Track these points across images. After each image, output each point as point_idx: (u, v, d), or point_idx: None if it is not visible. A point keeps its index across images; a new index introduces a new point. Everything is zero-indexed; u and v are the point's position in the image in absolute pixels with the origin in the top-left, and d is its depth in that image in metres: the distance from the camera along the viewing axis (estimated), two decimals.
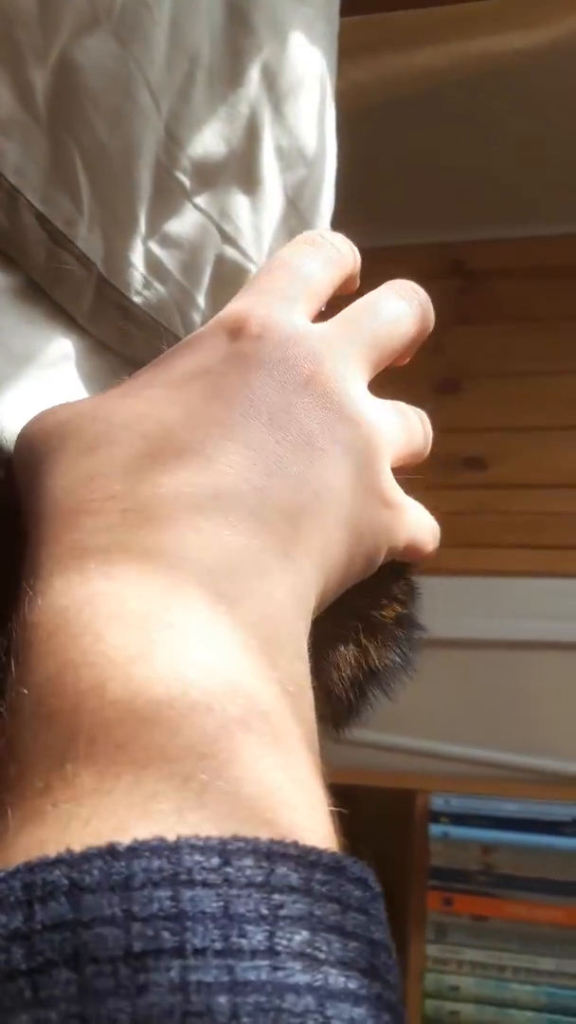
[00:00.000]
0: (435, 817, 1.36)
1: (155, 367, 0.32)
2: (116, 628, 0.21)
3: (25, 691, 0.21)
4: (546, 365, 1.82)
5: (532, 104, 1.65)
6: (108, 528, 0.24)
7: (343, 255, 0.37)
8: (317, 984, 0.16)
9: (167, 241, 0.64)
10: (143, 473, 0.26)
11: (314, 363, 0.31)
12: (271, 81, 0.68)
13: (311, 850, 0.17)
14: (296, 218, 0.73)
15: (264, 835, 0.18)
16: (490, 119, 1.69)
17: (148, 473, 0.26)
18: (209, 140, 0.64)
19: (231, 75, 0.65)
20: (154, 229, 0.63)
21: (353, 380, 0.32)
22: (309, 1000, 0.15)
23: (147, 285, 0.64)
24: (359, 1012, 0.16)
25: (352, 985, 0.16)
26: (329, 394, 0.30)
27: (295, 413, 0.29)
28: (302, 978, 0.16)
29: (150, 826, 0.17)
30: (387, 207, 1.79)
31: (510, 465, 1.82)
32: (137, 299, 0.63)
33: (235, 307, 0.33)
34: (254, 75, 0.67)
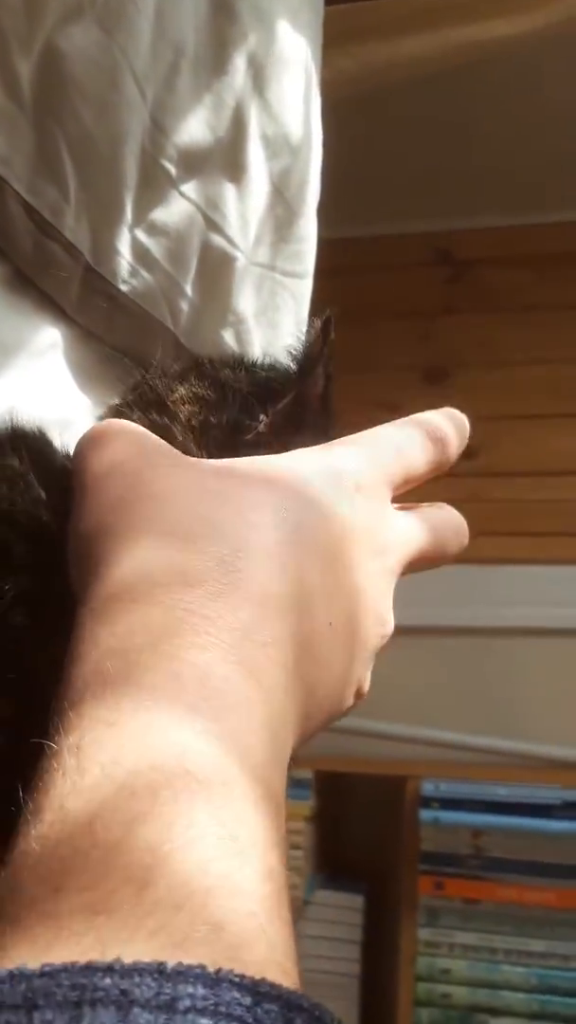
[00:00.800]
0: (425, 802, 1.37)
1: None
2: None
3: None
4: (534, 353, 1.83)
5: (519, 92, 1.66)
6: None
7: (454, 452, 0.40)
8: None
9: (154, 229, 0.64)
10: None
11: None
12: (256, 70, 0.69)
13: (316, 1007, 0.19)
14: (282, 206, 0.74)
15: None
16: (477, 107, 1.70)
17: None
18: (195, 128, 0.65)
19: (216, 64, 0.65)
20: (141, 217, 0.63)
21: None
22: None
23: (134, 273, 0.64)
24: None
25: None
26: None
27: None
28: None
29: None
30: (375, 196, 1.79)
31: (499, 453, 1.82)
32: (124, 287, 0.64)
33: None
34: (239, 64, 0.67)
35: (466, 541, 0.41)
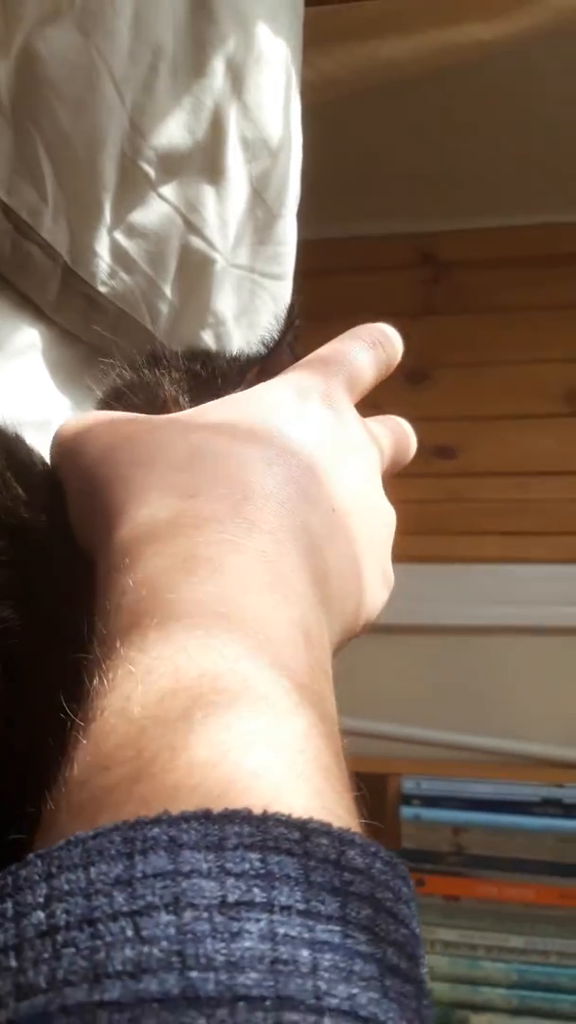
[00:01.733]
0: (406, 800, 1.38)
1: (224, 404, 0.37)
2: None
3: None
4: (514, 354, 1.84)
5: (500, 95, 1.67)
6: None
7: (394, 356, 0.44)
8: (377, 956, 0.19)
9: (133, 231, 0.64)
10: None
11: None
12: (235, 72, 0.69)
13: (370, 844, 0.21)
14: (262, 208, 0.74)
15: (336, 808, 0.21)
16: (460, 109, 1.71)
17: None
18: (174, 131, 0.65)
19: (195, 66, 0.66)
20: (119, 219, 0.64)
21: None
22: (372, 968, 0.18)
23: (113, 275, 0.64)
24: (408, 988, 0.19)
25: (403, 965, 0.19)
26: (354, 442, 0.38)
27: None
28: (365, 949, 0.18)
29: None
30: (356, 198, 1.80)
31: (478, 453, 1.84)
32: (103, 289, 0.64)
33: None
34: (218, 66, 0.67)
35: (415, 446, 0.45)
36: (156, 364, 0.43)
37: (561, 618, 1.74)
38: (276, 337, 0.44)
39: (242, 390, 0.41)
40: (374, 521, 0.37)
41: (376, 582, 0.37)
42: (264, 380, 0.42)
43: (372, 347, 0.42)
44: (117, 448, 0.33)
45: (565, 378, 1.81)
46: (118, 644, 0.25)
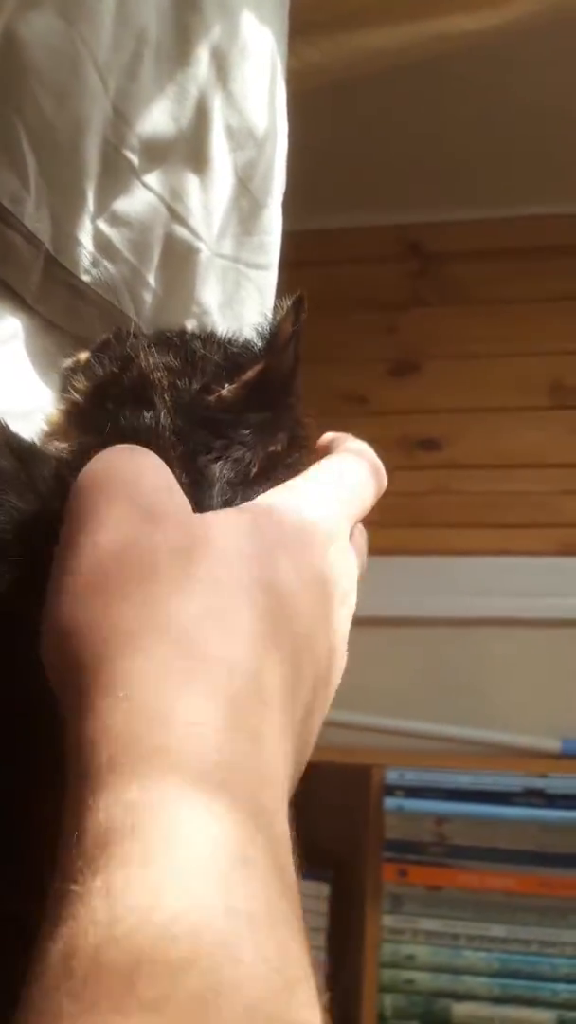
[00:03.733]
0: (390, 790, 1.38)
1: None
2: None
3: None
4: (502, 347, 1.84)
5: (488, 86, 1.67)
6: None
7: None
8: None
9: (116, 220, 0.64)
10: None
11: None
12: (220, 61, 0.68)
13: None
14: (247, 198, 0.74)
15: None
16: (447, 100, 1.70)
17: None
18: (157, 119, 0.64)
19: (179, 55, 0.65)
20: (103, 207, 0.63)
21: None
22: None
23: (96, 263, 0.64)
24: None
25: None
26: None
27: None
28: None
29: None
30: (343, 189, 1.79)
31: (465, 446, 1.84)
32: (86, 278, 0.63)
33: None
34: (203, 55, 0.67)
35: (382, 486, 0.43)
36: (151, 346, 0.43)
37: (545, 610, 1.75)
38: (279, 332, 0.43)
39: (237, 387, 0.40)
40: (340, 666, 0.38)
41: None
42: (267, 380, 0.42)
43: (375, 476, 0.42)
44: (105, 567, 0.29)
45: (551, 371, 1.82)
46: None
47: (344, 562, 0.37)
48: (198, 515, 0.33)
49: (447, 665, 1.68)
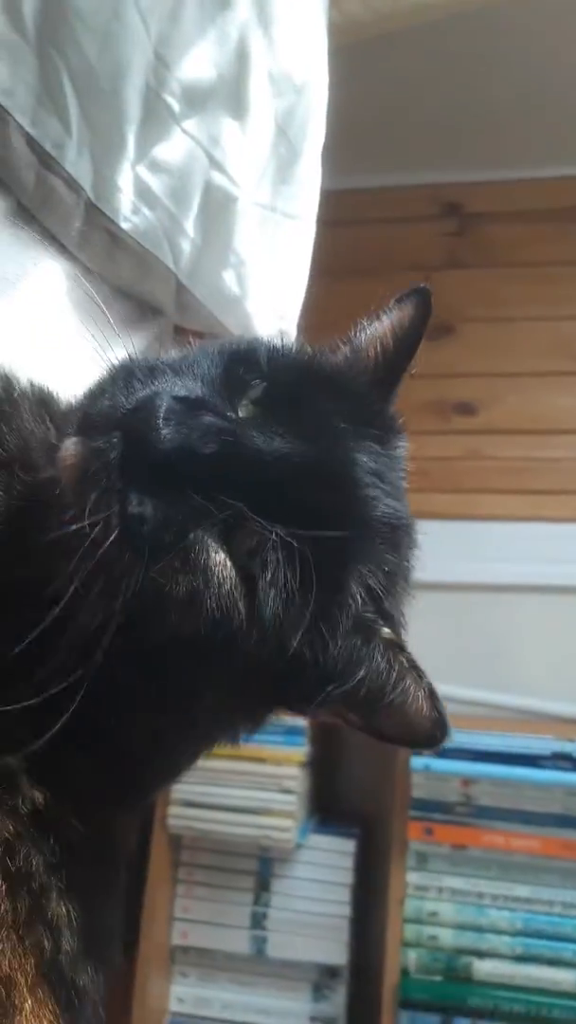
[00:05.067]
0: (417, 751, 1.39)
1: None
2: None
3: None
4: (539, 310, 1.81)
5: (532, 42, 1.62)
6: None
7: None
8: None
9: (156, 166, 0.64)
10: None
11: None
12: (261, 5, 0.68)
13: None
14: (285, 146, 0.73)
15: None
16: (489, 56, 1.66)
17: None
18: (198, 64, 0.64)
19: None
20: (143, 153, 0.63)
21: None
22: None
23: (135, 210, 0.64)
24: None
25: None
26: None
27: None
28: None
29: None
30: (381, 146, 1.77)
31: (500, 411, 1.82)
32: (125, 225, 0.63)
33: None
34: None
35: None
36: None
37: None
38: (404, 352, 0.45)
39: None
40: None
41: None
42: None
43: None
44: None
45: None
46: None
47: None
48: None
49: (478, 629, 1.68)
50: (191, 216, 0.67)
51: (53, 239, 0.61)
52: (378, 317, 0.47)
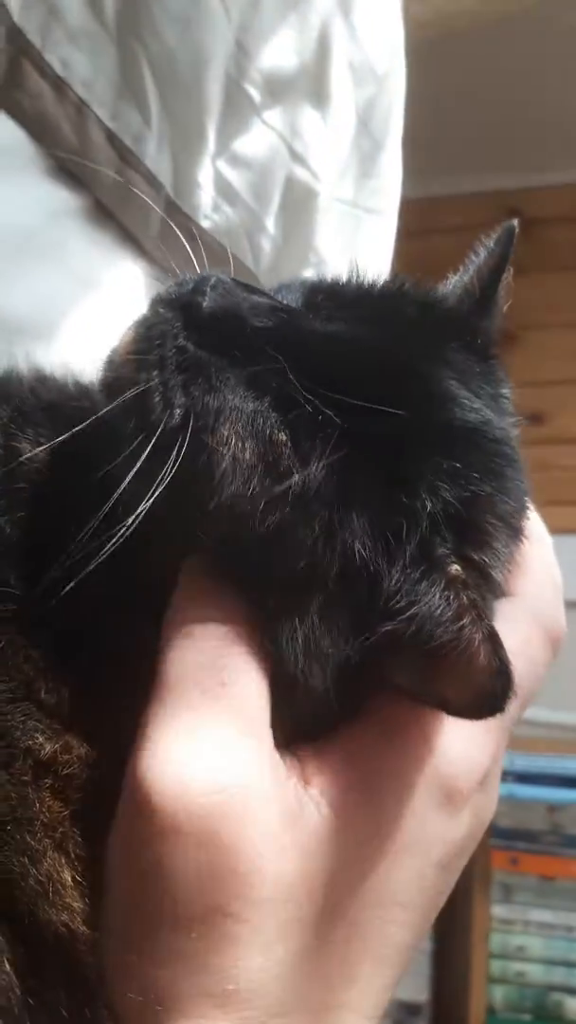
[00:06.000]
0: (500, 776, 1.32)
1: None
2: None
3: None
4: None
5: (540, 52, 1.58)
6: None
7: None
8: None
9: (236, 161, 0.61)
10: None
11: None
12: None
13: None
14: (366, 138, 0.70)
15: None
16: (550, 59, 1.63)
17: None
18: (279, 52, 0.61)
19: None
20: (223, 147, 0.60)
21: None
22: None
23: (216, 208, 0.61)
24: None
25: None
26: None
27: None
28: None
29: None
30: (441, 152, 1.74)
31: (568, 419, 1.76)
32: (205, 223, 0.61)
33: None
34: None
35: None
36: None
37: None
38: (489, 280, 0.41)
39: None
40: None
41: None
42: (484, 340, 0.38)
43: (552, 646, 0.35)
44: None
45: None
46: None
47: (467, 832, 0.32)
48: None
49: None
50: (272, 213, 0.64)
51: (131, 239, 0.59)
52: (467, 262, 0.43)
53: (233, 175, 0.61)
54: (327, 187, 0.67)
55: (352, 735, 0.30)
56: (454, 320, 0.39)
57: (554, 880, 1.31)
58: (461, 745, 0.30)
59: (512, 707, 0.29)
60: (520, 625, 0.34)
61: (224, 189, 0.61)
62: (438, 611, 0.29)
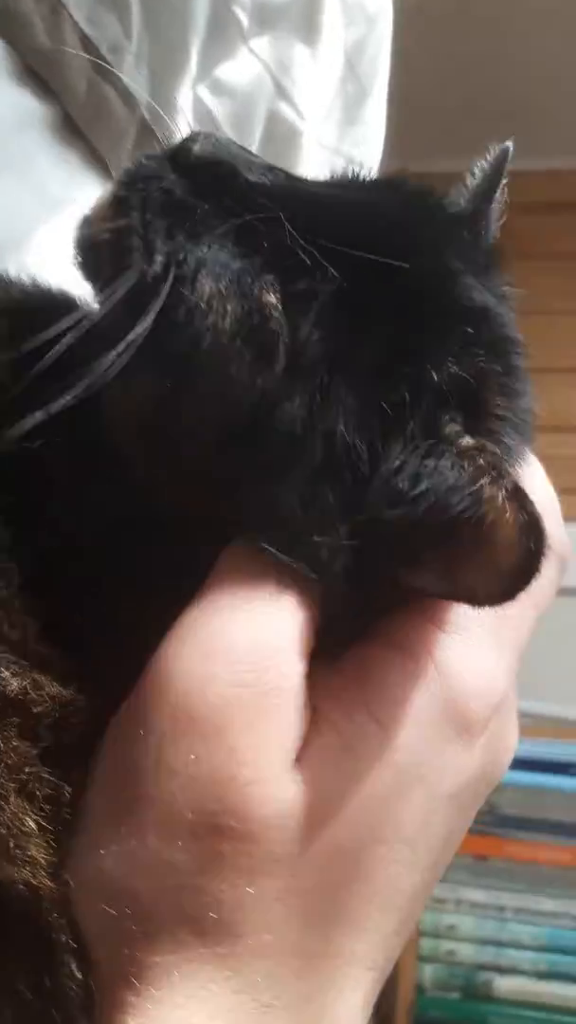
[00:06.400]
0: None
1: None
2: None
3: None
4: (561, 304, 1.76)
5: (557, 32, 1.58)
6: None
7: None
8: None
9: (219, 88, 0.58)
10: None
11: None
12: None
13: None
14: (353, 82, 0.67)
15: None
16: (514, 45, 1.62)
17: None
18: None
19: None
20: (206, 71, 0.57)
21: None
22: None
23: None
24: None
25: None
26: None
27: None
28: None
29: None
30: (404, 131, 1.72)
31: None
32: None
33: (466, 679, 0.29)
34: None
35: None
36: None
37: None
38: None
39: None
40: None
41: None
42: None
43: (560, 572, 0.32)
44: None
45: None
46: None
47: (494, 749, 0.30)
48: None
49: None
50: (252, 147, 0.61)
51: (99, 161, 0.55)
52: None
53: (214, 103, 0.58)
54: (311, 128, 0.64)
55: (361, 657, 0.28)
56: (456, 216, 0.37)
57: (487, 860, 1.32)
58: (474, 667, 0.28)
59: (526, 619, 0.29)
60: None
61: (203, 117, 0.57)
62: (450, 480, 0.26)
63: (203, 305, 0.27)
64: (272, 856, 0.25)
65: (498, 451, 0.27)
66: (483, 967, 1.28)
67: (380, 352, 0.27)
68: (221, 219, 0.29)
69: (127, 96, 0.53)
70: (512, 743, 0.32)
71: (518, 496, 0.25)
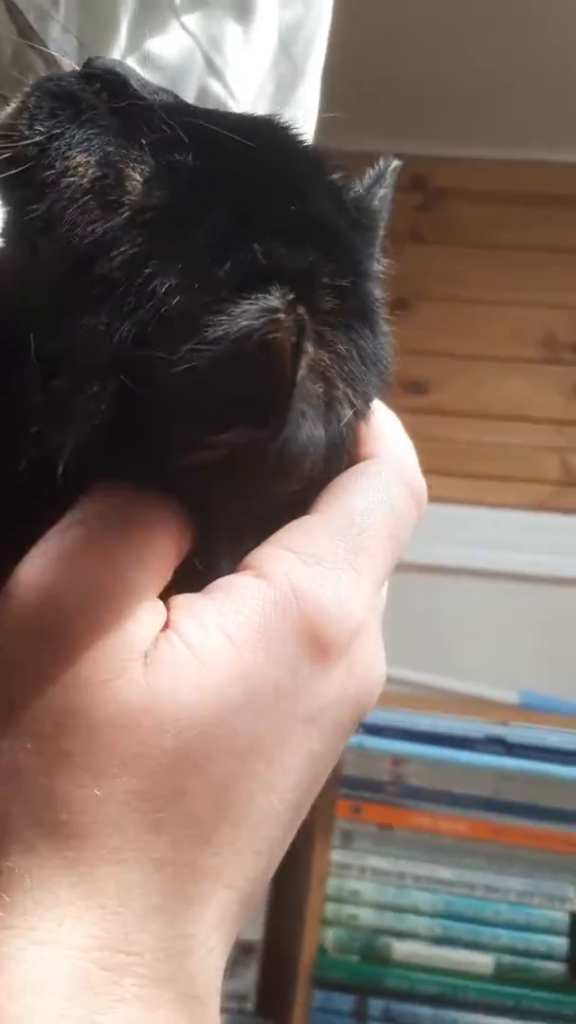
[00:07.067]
0: None
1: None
2: None
3: None
4: (497, 294, 1.80)
5: (512, 22, 1.59)
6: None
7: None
8: None
9: (147, 61, 0.57)
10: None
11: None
12: None
13: None
14: (287, 63, 0.67)
15: None
16: (470, 33, 1.63)
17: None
18: None
19: None
20: (135, 44, 0.56)
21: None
22: None
23: None
24: None
25: None
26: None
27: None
28: None
29: None
30: (351, 107, 1.71)
31: (450, 392, 1.80)
32: None
33: (312, 600, 0.29)
34: None
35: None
36: None
37: (513, 564, 1.74)
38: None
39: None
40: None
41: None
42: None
43: (418, 504, 0.35)
44: None
45: (546, 323, 1.78)
46: None
47: (360, 677, 0.31)
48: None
49: (413, 610, 1.66)
50: None
51: None
52: None
53: (143, 75, 0.58)
54: (241, 107, 0.64)
55: (223, 583, 0.29)
56: (338, 179, 0.38)
57: (392, 829, 1.37)
58: (331, 593, 0.29)
59: (384, 548, 0.31)
60: (386, 481, 0.34)
61: None
62: (244, 322, 0.26)
63: (70, 173, 0.30)
64: (118, 757, 0.26)
65: (306, 318, 0.27)
66: (382, 931, 1.33)
67: (219, 225, 0.29)
68: (107, 114, 0.32)
69: (53, 65, 0.53)
70: (380, 672, 0.33)
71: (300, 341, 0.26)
